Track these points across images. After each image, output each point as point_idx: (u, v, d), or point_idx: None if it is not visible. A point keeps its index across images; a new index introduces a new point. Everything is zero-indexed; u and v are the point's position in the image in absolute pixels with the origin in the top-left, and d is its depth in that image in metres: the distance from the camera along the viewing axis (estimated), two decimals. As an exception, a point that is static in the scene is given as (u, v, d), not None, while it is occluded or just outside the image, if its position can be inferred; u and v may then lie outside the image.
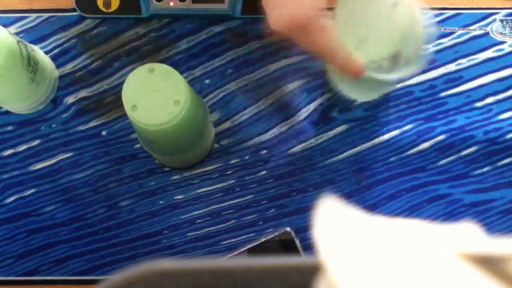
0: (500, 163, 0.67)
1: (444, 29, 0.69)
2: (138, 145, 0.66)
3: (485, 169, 0.66)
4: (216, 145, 0.67)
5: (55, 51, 0.68)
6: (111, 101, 0.67)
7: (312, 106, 0.67)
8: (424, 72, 0.67)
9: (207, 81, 0.68)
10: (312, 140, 0.67)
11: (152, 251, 0.65)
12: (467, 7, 0.70)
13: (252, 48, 0.68)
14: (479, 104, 0.68)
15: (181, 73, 0.68)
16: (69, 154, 0.66)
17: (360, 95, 0.66)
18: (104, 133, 0.67)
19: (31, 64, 0.61)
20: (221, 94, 0.68)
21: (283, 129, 0.67)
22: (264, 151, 0.67)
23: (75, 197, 0.65)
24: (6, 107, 0.66)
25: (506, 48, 0.69)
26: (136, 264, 0.18)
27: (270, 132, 0.67)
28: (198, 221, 0.65)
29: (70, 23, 0.69)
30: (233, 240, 0.65)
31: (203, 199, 0.66)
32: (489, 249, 0.16)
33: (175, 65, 0.67)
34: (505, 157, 0.67)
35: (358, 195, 0.66)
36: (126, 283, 0.17)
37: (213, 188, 0.66)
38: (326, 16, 0.51)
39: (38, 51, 0.65)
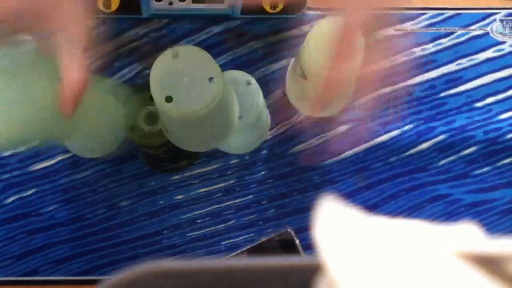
0: (500, 163, 0.67)
1: (444, 29, 0.69)
2: (138, 145, 0.66)
3: (485, 169, 0.66)
4: (216, 145, 0.67)
5: (55, 51, 0.68)
6: (111, 101, 0.67)
7: (312, 106, 0.67)
8: (424, 72, 0.67)
9: (207, 81, 0.68)
10: (312, 141, 0.67)
11: (152, 251, 0.65)
12: (467, 7, 0.70)
13: (252, 48, 0.68)
14: (479, 104, 0.68)
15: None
16: (69, 154, 0.66)
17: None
18: (104, 133, 0.67)
19: None
20: (221, 94, 0.68)
21: (283, 129, 0.67)
22: (264, 151, 0.67)
23: (75, 197, 0.65)
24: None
25: (506, 48, 0.69)
26: (136, 264, 0.18)
27: (270, 132, 0.67)
28: (198, 221, 0.65)
29: (70, 23, 0.69)
30: (233, 240, 0.65)
31: (203, 199, 0.66)
32: (489, 249, 0.16)
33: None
34: (505, 157, 0.67)
35: (358, 195, 0.66)
36: (126, 283, 0.17)
37: (213, 188, 0.66)
38: None
39: None
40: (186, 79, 0.47)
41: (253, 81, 0.58)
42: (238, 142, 0.64)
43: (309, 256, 0.17)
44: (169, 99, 0.46)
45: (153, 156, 0.62)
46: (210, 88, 0.47)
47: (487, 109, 0.68)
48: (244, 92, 0.58)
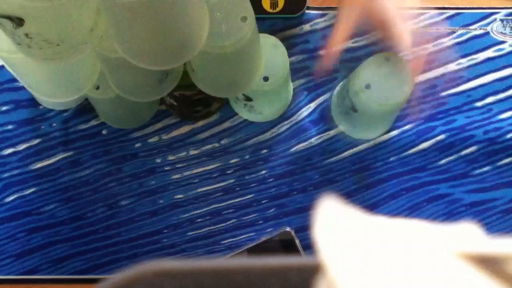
0: (500, 163, 0.67)
1: (445, 28, 0.69)
2: (138, 144, 0.66)
3: (485, 168, 0.66)
4: (217, 144, 0.67)
5: (56, 50, 0.68)
6: (111, 100, 0.67)
7: (312, 106, 0.67)
8: (424, 71, 0.67)
9: (207, 81, 0.68)
10: (312, 140, 0.67)
11: (152, 250, 0.65)
12: (468, 6, 0.70)
13: (252, 48, 0.68)
14: (479, 103, 0.68)
15: (182, 72, 0.68)
16: (70, 153, 0.66)
17: (357, 133, 0.66)
18: (104, 132, 0.67)
19: None
20: (221, 94, 0.68)
21: (283, 128, 0.67)
22: (264, 151, 0.67)
23: (75, 196, 0.65)
24: None
25: (506, 47, 0.69)
26: (136, 263, 0.18)
27: (270, 132, 0.67)
28: (198, 220, 0.65)
29: (70, 22, 0.69)
30: (233, 239, 0.65)
31: (203, 198, 0.66)
32: (489, 249, 0.16)
33: (175, 64, 0.67)
34: (505, 157, 0.67)
35: (358, 195, 0.66)
36: (126, 283, 0.17)
37: (213, 187, 0.66)
38: None
39: None
40: (218, 14, 0.48)
41: (279, 43, 0.58)
42: (263, 107, 0.64)
43: (309, 256, 0.17)
44: None
45: (187, 99, 0.61)
46: (241, 27, 0.48)
47: (487, 108, 0.68)
48: (270, 53, 0.58)
